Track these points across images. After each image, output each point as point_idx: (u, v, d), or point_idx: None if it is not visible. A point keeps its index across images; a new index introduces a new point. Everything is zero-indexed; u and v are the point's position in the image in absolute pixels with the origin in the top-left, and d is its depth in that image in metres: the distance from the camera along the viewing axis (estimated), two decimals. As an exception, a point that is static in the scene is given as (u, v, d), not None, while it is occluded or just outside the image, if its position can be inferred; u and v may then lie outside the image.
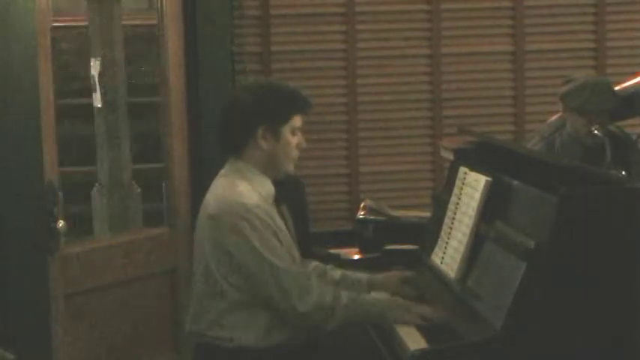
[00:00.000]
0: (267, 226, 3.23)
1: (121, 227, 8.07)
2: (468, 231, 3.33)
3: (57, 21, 5.12)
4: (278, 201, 3.41)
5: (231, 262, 3.24)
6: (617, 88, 4.38)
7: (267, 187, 3.36)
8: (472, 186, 3.40)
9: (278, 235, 3.27)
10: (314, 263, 3.62)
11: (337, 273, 3.61)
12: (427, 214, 4.17)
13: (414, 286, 3.56)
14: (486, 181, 3.32)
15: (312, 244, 4.51)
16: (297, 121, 3.38)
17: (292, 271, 3.24)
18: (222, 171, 3.40)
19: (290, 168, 3.41)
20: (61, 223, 3.72)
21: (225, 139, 3.40)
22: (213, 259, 3.27)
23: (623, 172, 4.01)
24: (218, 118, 3.43)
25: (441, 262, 3.49)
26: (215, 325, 3.29)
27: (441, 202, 3.72)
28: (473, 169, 3.47)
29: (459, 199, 3.48)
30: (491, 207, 3.28)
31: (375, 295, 3.50)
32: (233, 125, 3.37)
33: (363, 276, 3.62)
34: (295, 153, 3.40)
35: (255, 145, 3.33)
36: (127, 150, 8.64)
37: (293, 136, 3.37)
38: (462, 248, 3.33)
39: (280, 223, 3.35)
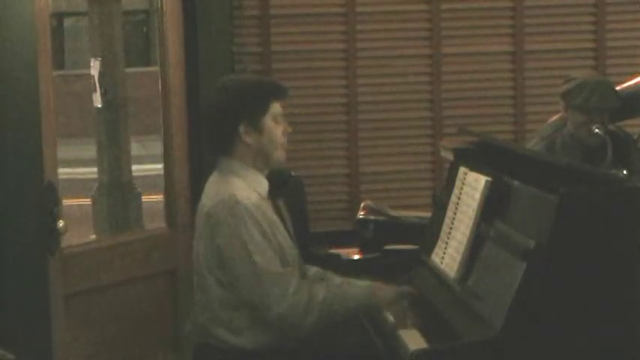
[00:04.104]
0: (257, 224, 3.23)
1: (121, 227, 8.07)
2: (467, 231, 3.33)
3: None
4: (275, 195, 3.40)
5: (219, 257, 3.24)
6: (617, 88, 4.38)
7: (261, 183, 3.36)
8: (472, 186, 3.40)
9: (268, 234, 3.25)
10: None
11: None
12: (427, 214, 4.17)
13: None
14: (486, 181, 3.32)
15: (312, 244, 4.50)
16: (276, 108, 3.36)
17: (273, 271, 3.21)
18: (215, 171, 3.40)
19: (281, 156, 3.39)
20: (61, 223, 3.72)
21: (212, 142, 3.41)
22: (206, 256, 3.28)
23: (624, 172, 4.01)
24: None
25: (441, 262, 3.48)
26: (211, 325, 3.30)
27: (441, 202, 3.72)
28: (473, 169, 3.47)
29: (459, 199, 3.48)
30: (491, 207, 3.28)
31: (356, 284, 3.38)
32: (215, 128, 3.37)
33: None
34: (282, 140, 3.38)
35: (240, 142, 3.32)
36: (127, 150, 8.63)
37: (276, 124, 3.36)
38: (461, 248, 3.33)
39: (275, 217, 3.34)
